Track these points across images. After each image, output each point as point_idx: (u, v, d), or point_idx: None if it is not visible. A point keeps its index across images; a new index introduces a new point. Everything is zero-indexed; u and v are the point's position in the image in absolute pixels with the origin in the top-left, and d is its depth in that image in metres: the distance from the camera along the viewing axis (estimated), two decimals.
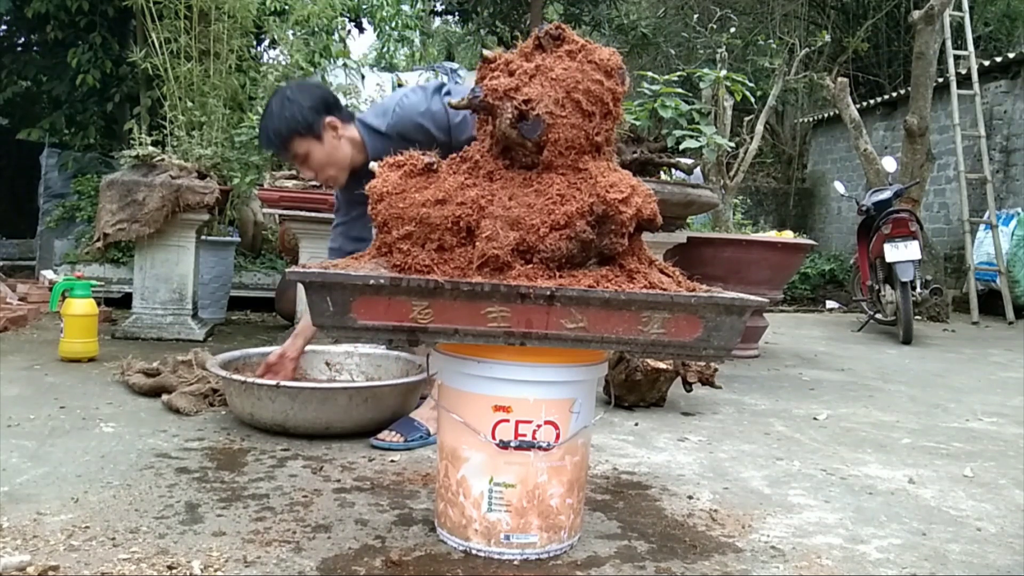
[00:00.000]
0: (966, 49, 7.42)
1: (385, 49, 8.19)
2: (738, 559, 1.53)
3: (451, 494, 1.50)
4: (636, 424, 2.61)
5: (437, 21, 13.23)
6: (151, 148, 3.83)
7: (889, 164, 6.13)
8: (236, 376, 2.28)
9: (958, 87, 7.36)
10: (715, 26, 8.29)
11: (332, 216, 3.71)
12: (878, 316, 5.78)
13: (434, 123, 2.20)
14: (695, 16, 10.41)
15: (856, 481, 2.11)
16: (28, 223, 6.48)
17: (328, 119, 2.20)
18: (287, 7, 5.49)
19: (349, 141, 2.25)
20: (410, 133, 2.18)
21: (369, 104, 4.73)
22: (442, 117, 2.19)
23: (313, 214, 3.71)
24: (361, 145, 2.26)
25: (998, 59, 8.14)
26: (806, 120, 11.71)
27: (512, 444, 1.44)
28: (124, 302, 4.54)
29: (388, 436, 2.19)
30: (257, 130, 2.28)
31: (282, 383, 2.18)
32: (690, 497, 1.90)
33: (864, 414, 2.99)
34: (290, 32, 5.38)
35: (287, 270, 2.40)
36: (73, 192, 5.53)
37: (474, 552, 1.47)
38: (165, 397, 2.50)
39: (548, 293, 1.32)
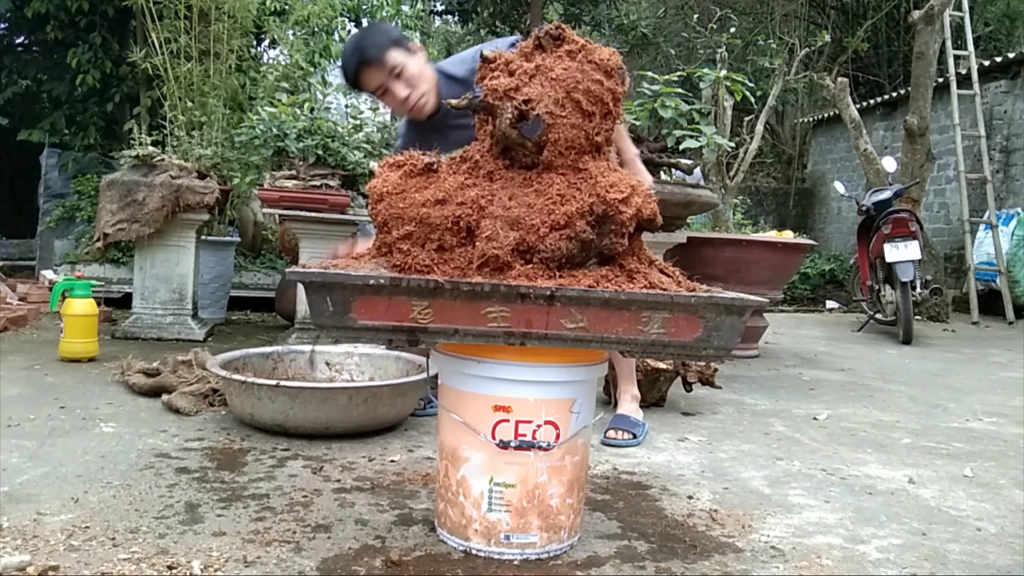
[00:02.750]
0: (966, 49, 7.42)
1: None
2: (738, 559, 1.53)
3: (451, 494, 1.50)
4: None
5: (437, 21, 13.21)
6: (151, 148, 3.83)
7: (889, 164, 6.13)
8: (236, 376, 2.28)
9: (958, 87, 7.35)
10: (715, 26, 8.29)
11: (332, 216, 3.74)
12: (878, 316, 5.78)
13: None
14: (695, 16, 10.41)
15: (856, 481, 2.11)
16: (28, 223, 6.48)
17: (413, 43, 2.20)
18: (287, 7, 5.49)
19: (428, 80, 2.23)
20: None
21: (370, 103, 4.72)
22: None
23: (313, 214, 3.71)
24: (436, 88, 2.25)
25: (998, 59, 8.14)
26: (806, 120, 11.70)
27: (512, 444, 1.44)
28: (124, 302, 4.54)
29: (618, 435, 2.34)
30: (341, 61, 2.26)
31: (282, 383, 2.18)
32: (690, 497, 1.90)
33: (864, 414, 2.99)
34: (290, 32, 5.38)
35: (287, 270, 2.40)
36: (73, 192, 5.53)
37: (474, 552, 1.47)
38: (165, 397, 2.50)
39: (548, 293, 1.32)
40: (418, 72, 2.22)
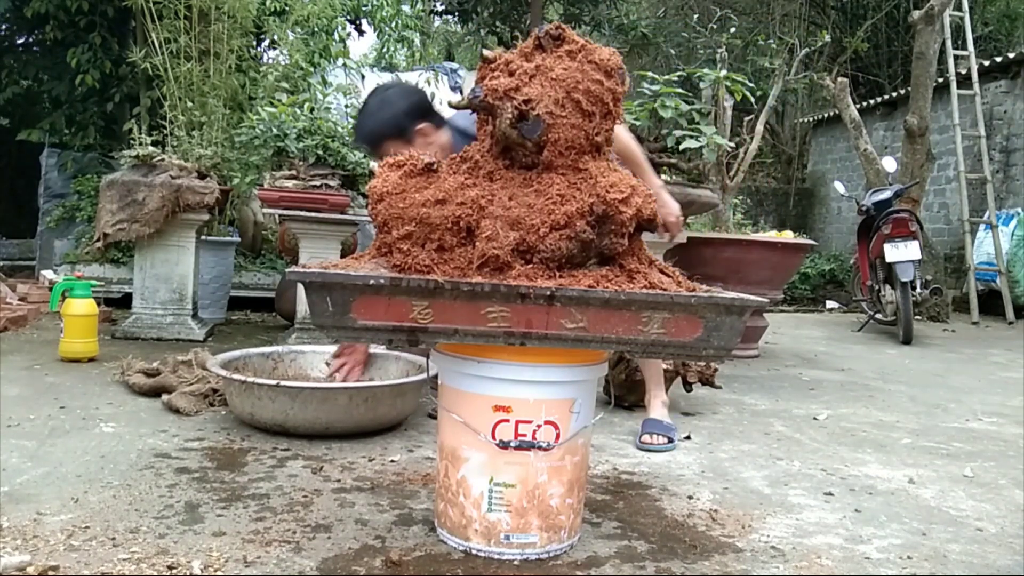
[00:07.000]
0: (966, 49, 7.42)
1: (385, 49, 8.17)
2: (738, 559, 1.53)
3: (451, 494, 1.50)
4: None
5: (437, 21, 13.22)
6: (151, 148, 3.83)
7: (889, 164, 6.13)
8: (236, 376, 2.27)
9: (958, 87, 7.35)
10: (715, 26, 8.28)
11: (332, 216, 3.73)
12: (878, 316, 5.78)
13: None
14: (695, 16, 10.39)
15: (856, 481, 2.11)
16: (28, 223, 6.48)
17: (420, 126, 2.25)
18: (287, 7, 5.49)
19: (439, 147, 2.28)
20: None
21: None
22: None
23: (313, 214, 3.71)
24: (451, 150, 2.28)
25: (998, 59, 8.14)
26: (806, 120, 11.70)
27: (512, 444, 1.44)
28: (124, 302, 4.54)
29: (653, 440, 2.32)
30: (354, 126, 2.34)
31: (282, 383, 2.18)
32: (690, 497, 1.90)
33: (864, 414, 2.99)
34: (290, 32, 5.37)
35: (287, 270, 2.40)
36: (73, 192, 5.53)
37: (474, 552, 1.47)
38: (165, 397, 2.50)
39: (548, 293, 1.32)
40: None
